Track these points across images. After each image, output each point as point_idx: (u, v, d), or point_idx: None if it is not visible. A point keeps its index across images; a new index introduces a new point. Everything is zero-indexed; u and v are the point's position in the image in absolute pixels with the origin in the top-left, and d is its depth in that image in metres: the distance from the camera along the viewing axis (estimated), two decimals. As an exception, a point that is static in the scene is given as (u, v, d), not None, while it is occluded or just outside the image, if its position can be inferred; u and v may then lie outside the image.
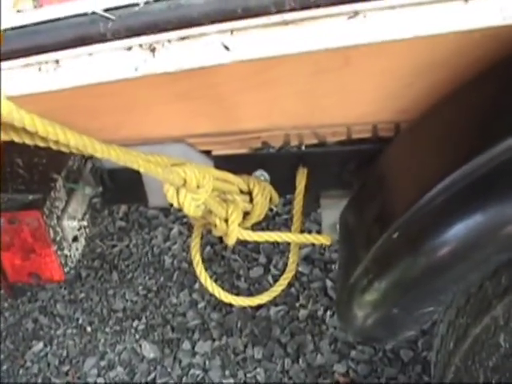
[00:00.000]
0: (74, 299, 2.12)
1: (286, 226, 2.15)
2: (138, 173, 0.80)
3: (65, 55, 0.69)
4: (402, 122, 0.99)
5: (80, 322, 2.05)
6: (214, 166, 1.04)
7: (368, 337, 1.01)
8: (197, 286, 2.06)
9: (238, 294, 1.48)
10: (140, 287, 2.12)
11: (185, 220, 2.27)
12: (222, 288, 1.11)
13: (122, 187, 1.15)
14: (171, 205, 0.78)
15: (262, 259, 2.10)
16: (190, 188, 0.75)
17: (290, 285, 1.42)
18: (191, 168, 0.75)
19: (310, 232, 1.99)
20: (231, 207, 0.93)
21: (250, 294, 1.95)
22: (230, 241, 0.96)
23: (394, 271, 0.85)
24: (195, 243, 1.07)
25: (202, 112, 1.01)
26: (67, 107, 0.90)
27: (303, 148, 1.10)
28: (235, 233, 0.95)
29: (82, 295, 2.13)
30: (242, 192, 1.02)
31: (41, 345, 1.99)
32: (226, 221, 0.94)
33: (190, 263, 2.12)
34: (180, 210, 0.81)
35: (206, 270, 1.08)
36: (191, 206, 0.77)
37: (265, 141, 1.06)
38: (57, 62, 0.70)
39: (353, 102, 0.97)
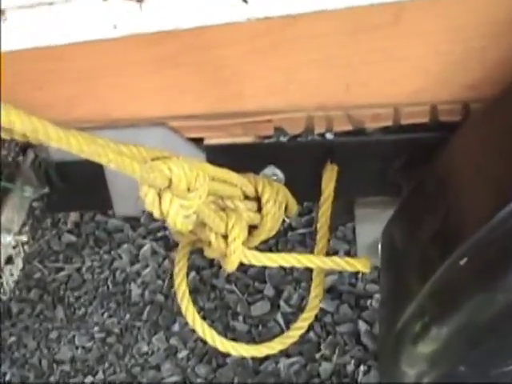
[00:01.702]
0: (0, 345, 2.13)
1: (303, 244, 2.16)
2: (99, 167, 0.80)
3: (13, 4, 0.69)
4: (472, 101, 1.00)
5: (8, 378, 2.05)
6: (207, 160, 1.05)
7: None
8: (176, 327, 2.07)
9: (234, 339, 1.49)
10: (96, 328, 2.13)
11: (160, 234, 2.28)
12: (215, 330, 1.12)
13: (77, 187, 1.16)
14: (150, 214, 0.78)
15: (269, 291, 2.11)
16: (178, 191, 0.76)
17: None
18: (179, 164, 0.75)
19: (336, 253, 2.00)
20: (232, 218, 0.94)
21: (251, 340, 1.96)
22: (230, 265, 0.97)
23: (461, 312, 0.85)
24: (180, 267, 1.07)
25: (191, 84, 1.02)
26: (4, 74, 0.91)
27: (332, 137, 1.11)
28: (237, 254, 0.95)
29: (12, 339, 2.14)
30: (246, 197, 1.02)
31: (-46, 410, 2.01)
32: (226, 237, 0.95)
33: (167, 295, 2.12)
34: (159, 220, 0.81)
35: (194, 304, 1.09)
36: (178, 217, 0.78)
37: (278, 126, 1.07)
38: (2, 13, 0.70)
39: (403, 74, 0.98)
